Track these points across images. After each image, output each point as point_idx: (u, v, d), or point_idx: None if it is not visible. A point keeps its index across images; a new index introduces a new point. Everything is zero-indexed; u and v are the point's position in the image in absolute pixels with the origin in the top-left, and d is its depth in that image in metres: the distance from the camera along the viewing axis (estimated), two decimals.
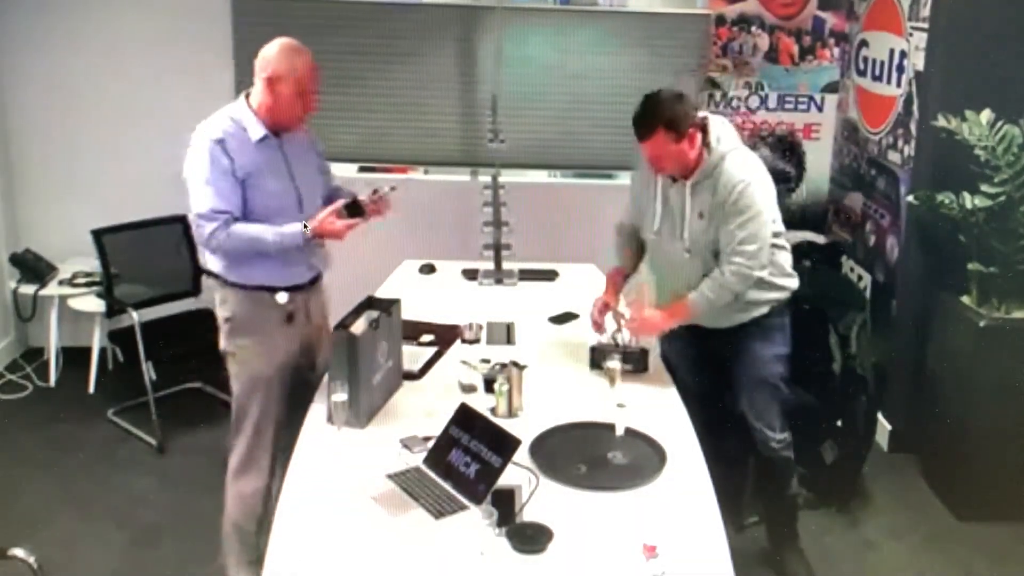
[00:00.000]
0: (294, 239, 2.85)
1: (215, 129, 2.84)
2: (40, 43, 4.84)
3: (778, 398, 3.16)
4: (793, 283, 3.13)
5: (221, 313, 3.00)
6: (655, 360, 3.08)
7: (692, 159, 2.91)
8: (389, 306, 2.79)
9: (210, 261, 2.97)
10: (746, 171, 2.91)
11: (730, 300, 2.96)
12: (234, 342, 2.98)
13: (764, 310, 3.07)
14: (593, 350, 3.03)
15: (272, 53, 2.86)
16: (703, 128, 2.92)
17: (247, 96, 2.91)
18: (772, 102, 5.12)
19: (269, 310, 2.95)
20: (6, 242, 4.95)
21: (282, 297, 2.95)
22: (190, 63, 4.90)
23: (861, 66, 4.82)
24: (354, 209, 2.91)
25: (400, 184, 3.18)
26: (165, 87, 4.92)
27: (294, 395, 2.98)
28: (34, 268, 4.79)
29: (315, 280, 3.10)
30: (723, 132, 2.97)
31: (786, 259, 3.12)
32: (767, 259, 2.97)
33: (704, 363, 3.23)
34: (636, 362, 2.98)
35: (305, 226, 2.85)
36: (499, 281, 3.93)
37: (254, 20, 4.83)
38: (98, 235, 4.36)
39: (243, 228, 2.83)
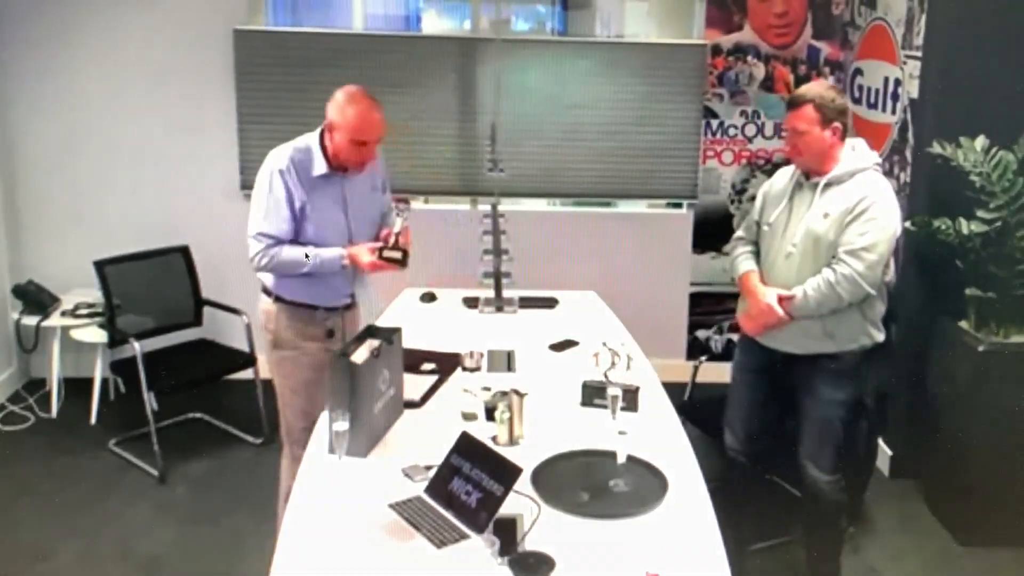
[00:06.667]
0: (332, 265, 3.07)
1: (283, 158, 3.03)
2: (43, 75, 4.89)
3: (833, 440, 3.15)
4: (879, 336, 3.09)
5: (268, 327, 3.22)
6: (644, 399, 2.99)
7: (828, 154, 2.97)
8: (390, 335, 2.80)
9: (264, 276, 3.19)
10: (883, 190, 2.97)
11: (833, 307, 2.93)
12: (279, 353, 3.22)
13: (837, 349, 3.03)
14: (585, 386, 2.99)
15: (332, 101, 3.02)
16: (845, 130, 2.98)
17: (323, 132, 3.07)
18: (768, 130, 5.17)
19: (311, 326, 3.19)
20: (9, 273, 4.97)
21: (321, 314, 3.19)
22: (192, 95, 4.95)
23: (856, 94, 4.86)
24: (394, 254, 3.06)
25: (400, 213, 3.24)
26: (167, 119, 4.97)
27: None
28: (36, 299, 4.81)
29: (353, 301, 3.35)
30: (862, 147, 3.04)
31: (881, 311, 3.11)
32: (878, 280, 2.96)
33: (765, 382, 3.23)
34: (628, 400, 2.91)
35: (343, 258, 3.06)
36: (499, 309, 3.94)
37: (256, 52, 4.90)
38: (100, 266, 4.38)
39: (286, 252, 3.05)
